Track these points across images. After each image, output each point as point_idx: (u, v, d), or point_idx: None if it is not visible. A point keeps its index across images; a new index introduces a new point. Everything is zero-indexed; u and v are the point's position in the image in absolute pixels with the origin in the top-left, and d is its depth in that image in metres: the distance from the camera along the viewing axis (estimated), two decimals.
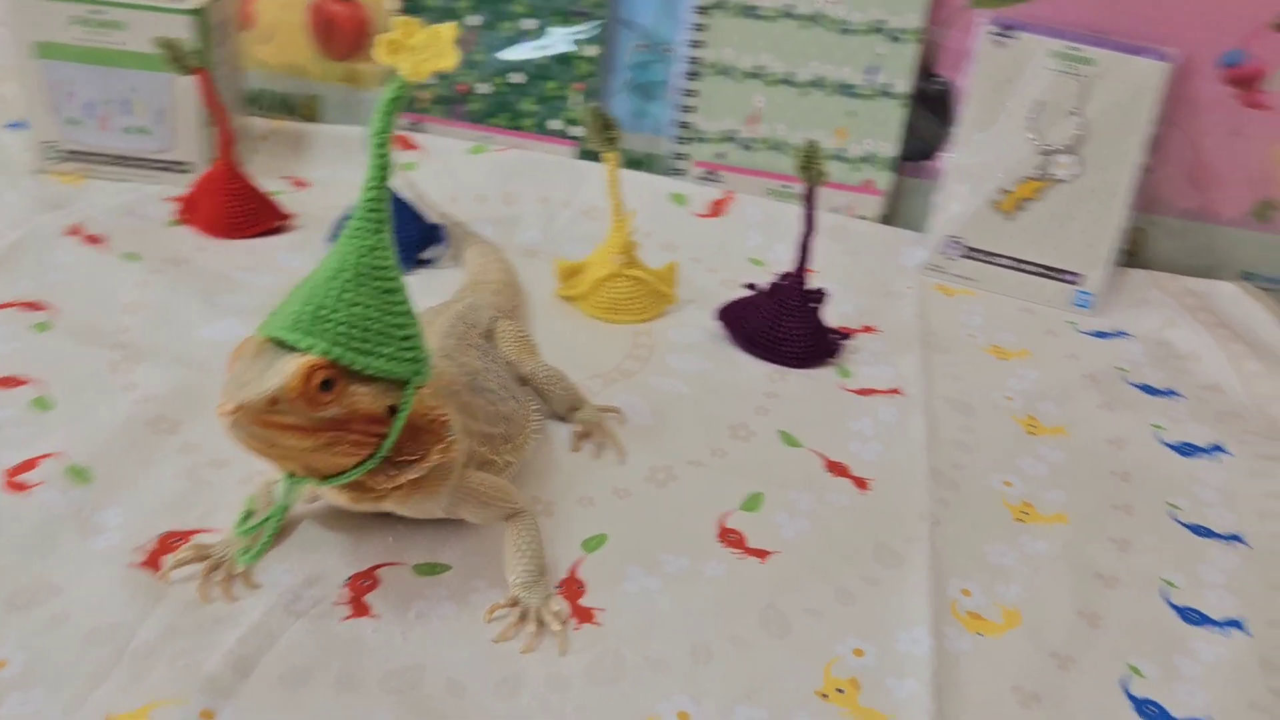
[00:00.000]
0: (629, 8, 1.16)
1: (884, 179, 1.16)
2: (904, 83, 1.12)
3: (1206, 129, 1.10)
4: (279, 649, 0.60)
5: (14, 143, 1.11)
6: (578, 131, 1.19)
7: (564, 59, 1.17)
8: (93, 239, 0.98)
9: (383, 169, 0.58)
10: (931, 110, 1.14)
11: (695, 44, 1.14)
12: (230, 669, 0.58)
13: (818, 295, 0.93)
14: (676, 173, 1.18)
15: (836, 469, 0.80)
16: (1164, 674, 0.66)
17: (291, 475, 0.58)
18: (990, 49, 1.08)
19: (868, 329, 1.00)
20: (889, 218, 1.18)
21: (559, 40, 1.16)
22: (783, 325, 0.92)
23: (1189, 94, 1.09)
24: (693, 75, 1.15)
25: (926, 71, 1.13)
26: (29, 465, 0.70)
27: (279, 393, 0.53)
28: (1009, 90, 1.09)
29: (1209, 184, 1.12)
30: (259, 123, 1.20)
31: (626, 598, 0.66)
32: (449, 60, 0.58)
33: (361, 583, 0.65)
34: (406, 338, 0.58)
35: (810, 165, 0.87)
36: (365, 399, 0.56)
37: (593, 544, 0.70)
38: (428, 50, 0.58)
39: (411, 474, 0.59)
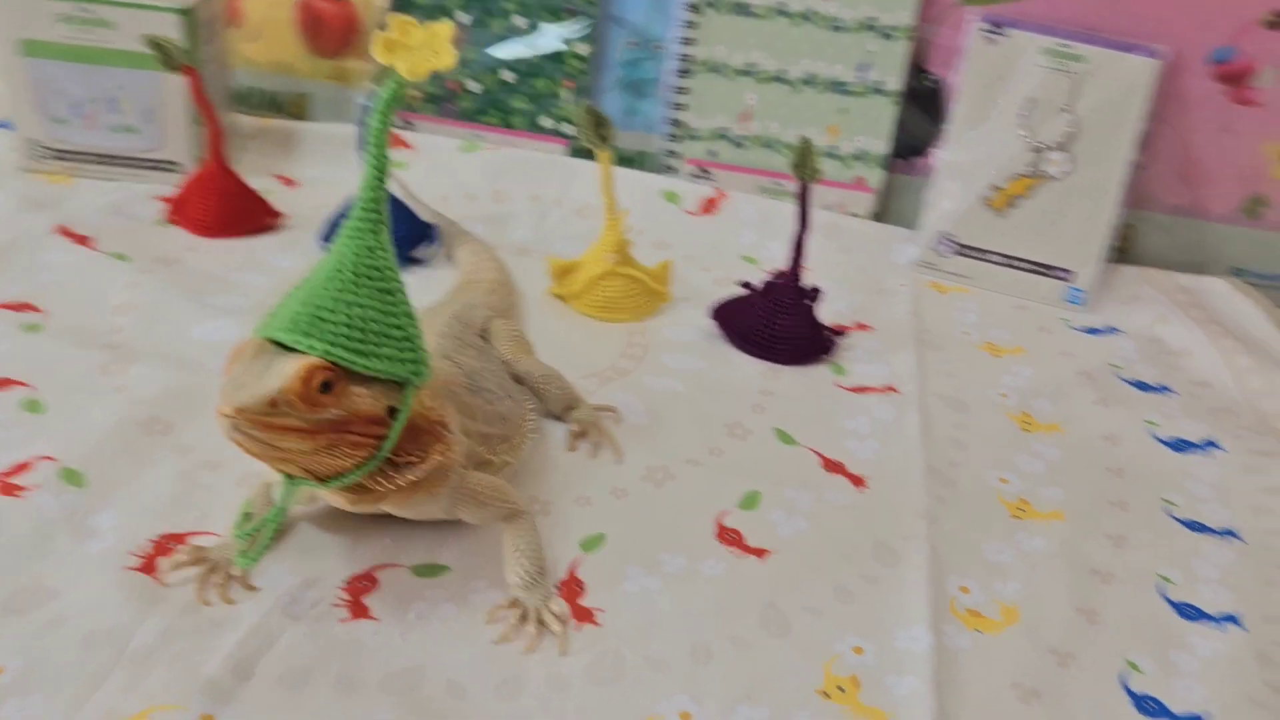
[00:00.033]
0: (620, 5, 1.15)
1: (876, 176, 1.16)
2: (895, 80, 1.12)
3: (1196, 125, 1.11)
4: (278, 651, 0.59)
5: (0, 142, 1.10)
6: (569, 129, 1.19)
7: (555, 56, 1.16)
8: (81, 239, 0.97)
9: (380, 169, 0.58)
10: (923, 107, 1.14)
11: (687, 41, 1.14)
12: (230, 672, 0.57)
13: (813, 293, 0.93)
14: (668, 170, 1.18)
15: (833, 467, 0.80)
16: (1162, 669, 0.66)
17: (290, 477, 0.58)
18: (981, 46, 1.09)
19: (861, 326, 1.00)
20: (880, 215, 1.18)
21: (550, 38, 1.16)
22: (778, 323, 0.92)
23: (1179, 91, 1.09)
24: (684, 73, 1.15)
25: (918, 69, 1.13)
26: (21, 468, 0.69)
27: (278, 394, 0.52)
28: (1000, 87, 1.09)
29: (1199, 180, 1.13)
30: (247, 121, 1.19)
31: (626, 598, 0.66)
32: (447, 59, 0.58)
33: (360, 584, 0.64)
34: (406, 338, 0.57)
35: (804, 163, 0.87)
36: (365, 400, 0.56)
37: (591, 544, 0.70)
38: (425, 49, 0.58)
39: (411, 475, 0.58)
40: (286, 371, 0.53)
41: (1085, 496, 0.81)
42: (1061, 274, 1.09)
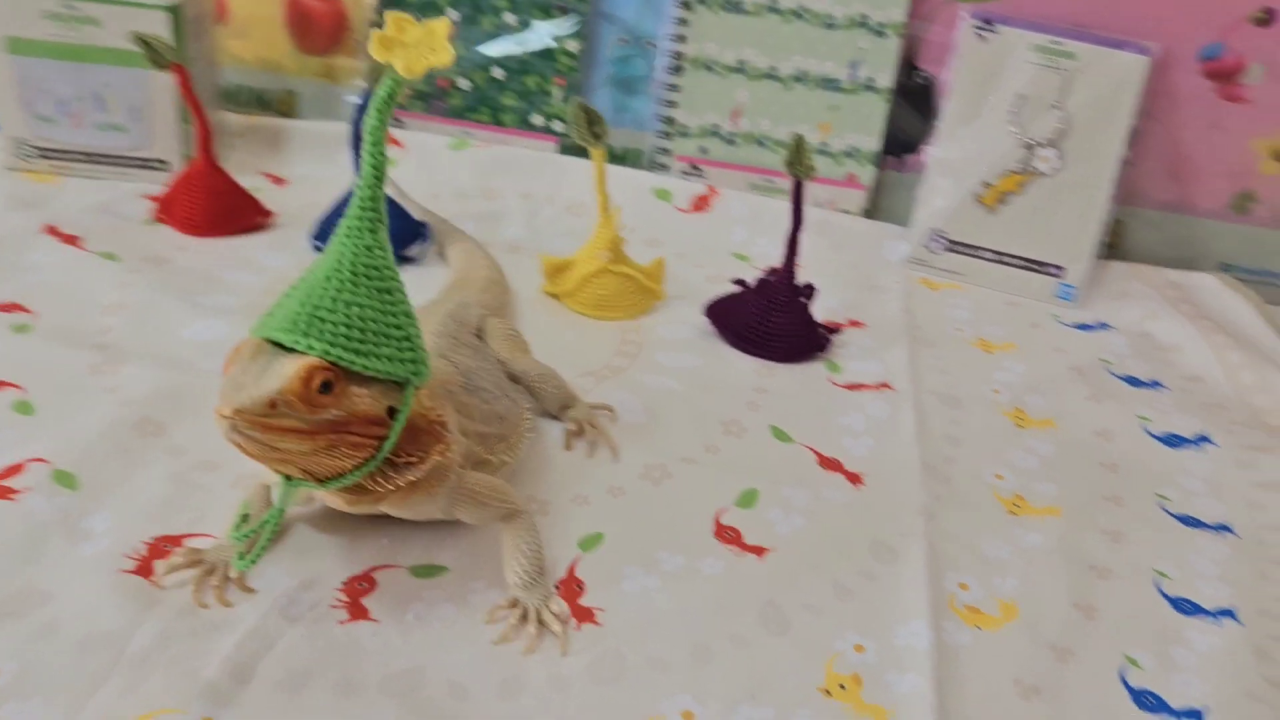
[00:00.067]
0: (611, 1, 1.15)
1: (867, 173, 1.16)
2: (886, 77, 1.12)
3: (1186, 122, 1.11)
4: (277, 654, 0.59)
5: None
6: (560, 127, 1.18)
7: (546, 54, 1.16)
8: (69, 239, 0.96)
9: (378, 167, 0.57)
10: (914, 104, 1.14)
11: (678, 38, 1.13)
12: (229, 675, 0.57)
13: (807, 290, 0.93)
14: (659, 168, 1.18)
15: (829, 464, 0.80)
16: (1160, 664, 0.66)
17: (288, 478, 0.57)
18: (972, 43, 1.09)
19: (854, 323, 1.01)
20: (872, 212, 1.18)
21: (540, 35, 1.15)
22: (772, 321, 0.92)
23: (1168, 87, 1.10)
24: (675, 70, 1.14)
25: (910, 65, 1.13)
26: (13, 471, 0.68)
27: (278, 395, 0.52)
28: (991, 84, 1.09)
29: (1188, 176, 1.13)
30: (234, 119, 1.19)
31: (626, 597, 0.66)
32: (444, 56, 0.57)
33: (358, 586, 0.64)
34: (405, 338, 0.57)
35: (798, 160, 0.87)
36: (364, 400, 0.55)
37: (589, 543, 0.70)
38: (422, 46, 0.57)
39: (411, 475, 0.58)
40: (286, 372, 0.52)
41: (1080, 492, 0.81)
42: (1052, 270, 1.10)
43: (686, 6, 1.12)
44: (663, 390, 0.87)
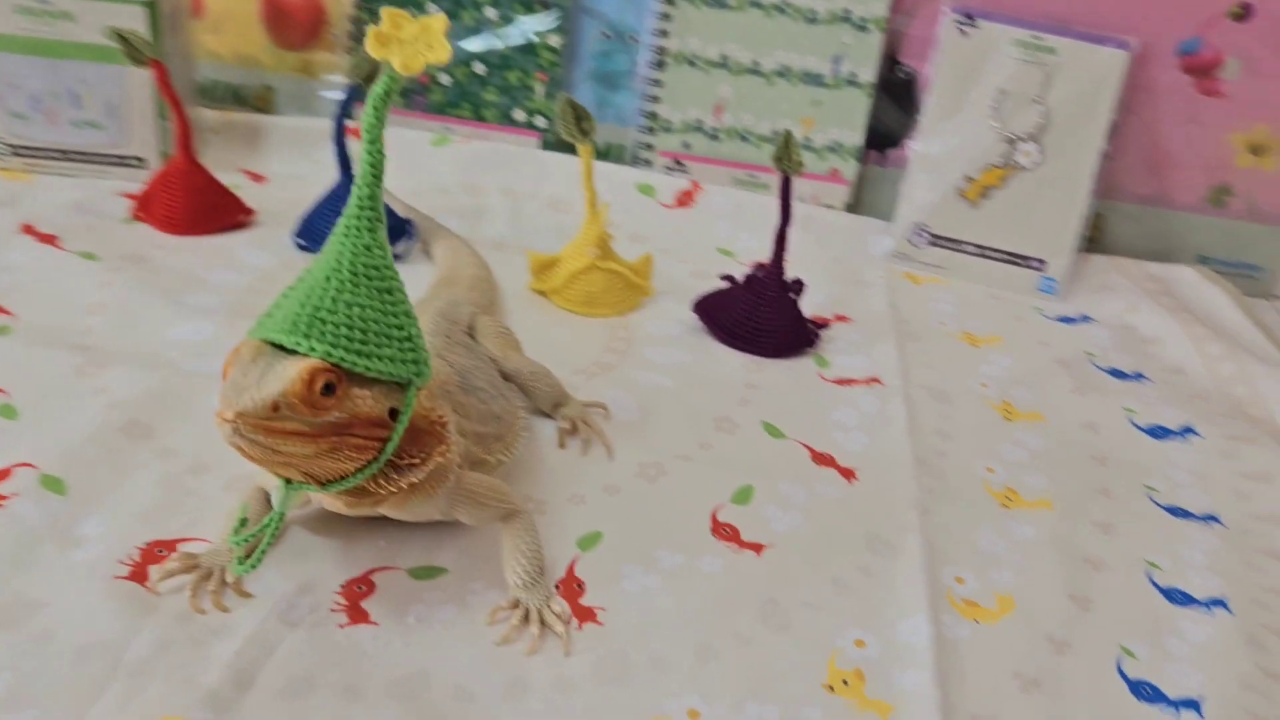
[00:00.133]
0: None
1: (849, 168, 1.16)
2: (869, 72, 1.13)
3: (1164, 116, 1.13)
4: (278, 660, 0.58)
5: None
6: (542, 122, 1.17)
7: (527, 48, 1.15)
8: (47, 238, 0.95)
9: (376, 165, 0.57)
10: (897, 99, 1.15)
11: (660, 33, 1.13)
12: (230, 682, 0.56)
13: (796, 286, 0.93)
14: (642, 163, 1.18)
15: (823, 460, 0.81)
16: (1156, 655, 0.67)
17: (289, 481, 0.56)
18: (954, 37, 1.09)
19: (840, 318, 1.01)
20: (855, 206, 1.18)
21: (521, 30, 1.15)
22: (761, 316, 0.92)
23: (1147, 82, 1.11)
24: (658, 65, 1.14)
25: (892, 60, 1.14)
26: (0, 476, 0.67)
27: (281, 398, 0.51)
28: (973, 79, 1.10)
29: (1166, 170, 1.15)
30: (210, 115, 1.17)
31: (626, 596, 0.66)
32: (441, 53, 0.56)
33: (357, 589, 0.63)
34: (407, 338, 0.56)
35: (787, 155, 0.87)
36: (367, 402, 0.54)
37: (588, 542, 0.69)
38: (419, 43, 0.57)
39: (413, 477, 0.57)
40: (288, 374, 0.52)
41: (1070, 485, 0.82)
42: (1035, 264, 1.10)
43: (669, 1, 1.12)
44: (654, 387, 0.87)
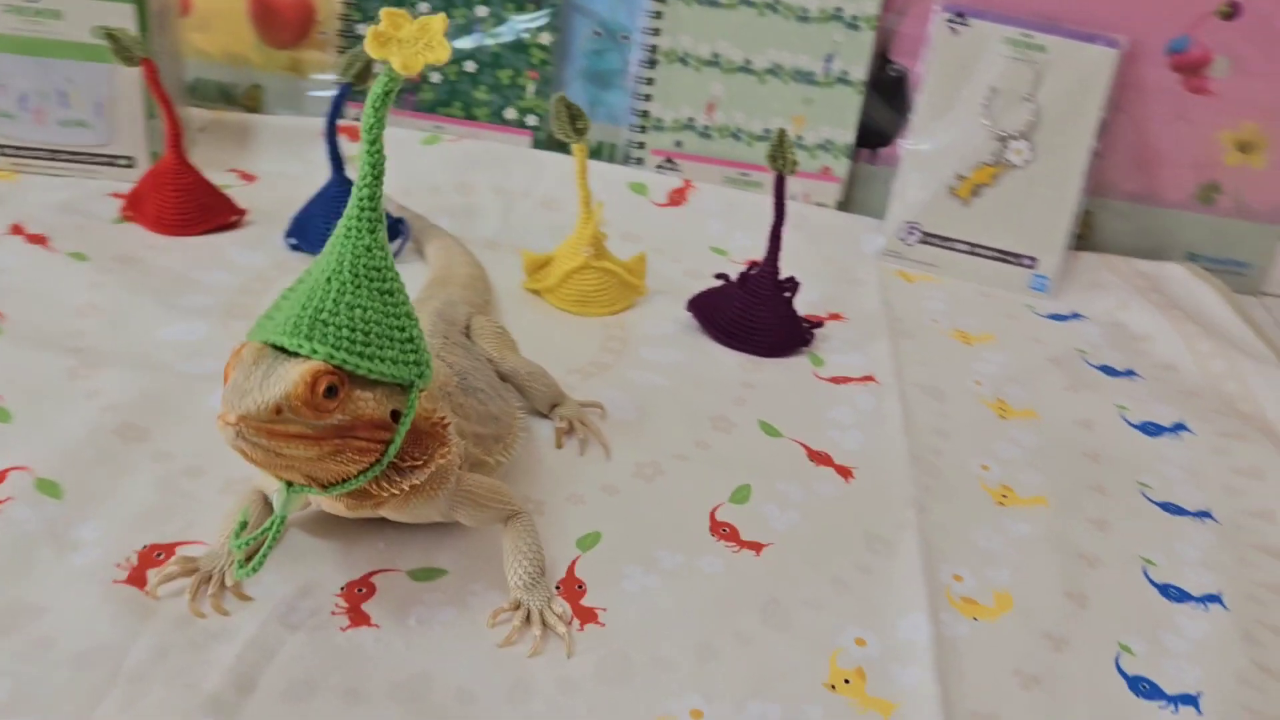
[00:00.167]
0: None
1: (841, 166, 1.16)
2: (860, 70, 1.13)
3: (1153, 114, 1.13)
4: (279, 663, 0.58)
5: None
6: (533, 121, 1.17)
7: (518, 47, 1.15)
8: (36, 238, 0.94)
9: (376, 166, 0.57)
10: (888, 97, 1.15)
11: (652, 31, 1.13)
12: (231, 687, 0.56)
13: (791, 284, 0.93)
14: (634, 162, 1.17)
15: (820, 458, 0.81)
16: (1153, 651, 0.67)
17: (290, 484, 0.56)
18: (945, 36, 1.09)
19: (834, 317, 1.01)
20: (846, 204, 1.18)
21: (512, 27, 1.14)
22: (756, 315, 0.92)
23: (1136, 80, 1.12)
24: (650, 63, 1.14)
25: (883, 58, 1.14)
26: None
27: (283, 401, 0.51)
28: (964, 77, 1.10)
29: (1155, 168, 1.15)
30: (199, 113, 1.16)
31: (627, 597, 0.66)
32: (441, 52, 0.56)
33: (357, 591, 0.63)
34: (409, 339, 0.56)
35: (781, 154, 0.87)
36: (369, 404, 0.54)
37: (587, 542, 0.69)
38: (418, 42, 0.56)
39: (415, 479, 0.57)
40: (291, 377, 0.51)
41: (1065, 482, 0.82)
42: (1026, 261, 1.11)
43: None
44: (650, 386, 0.87)
